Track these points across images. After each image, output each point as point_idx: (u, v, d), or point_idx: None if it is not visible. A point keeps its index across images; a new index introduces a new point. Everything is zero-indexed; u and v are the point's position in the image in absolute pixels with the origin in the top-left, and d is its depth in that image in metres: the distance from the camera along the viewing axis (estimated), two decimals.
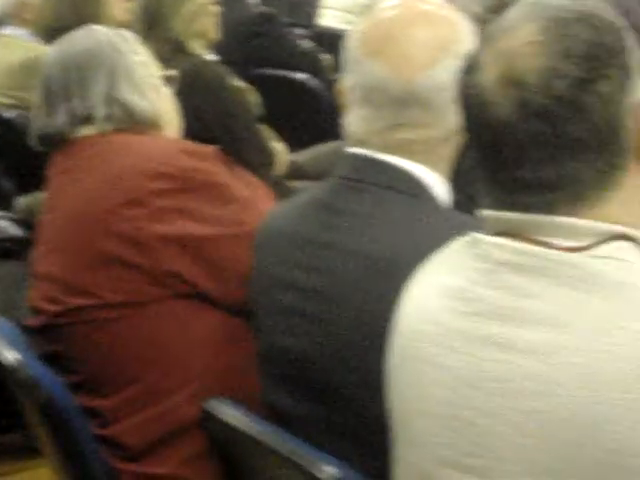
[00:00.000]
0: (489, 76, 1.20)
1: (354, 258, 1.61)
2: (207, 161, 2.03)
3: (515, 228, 1.21)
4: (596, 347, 1.12)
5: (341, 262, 1.62)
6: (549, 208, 1.19)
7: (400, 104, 1.64)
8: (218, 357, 1.96)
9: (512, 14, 1.24)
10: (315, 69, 4.20)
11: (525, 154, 1.18)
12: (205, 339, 1.96)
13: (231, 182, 2.04)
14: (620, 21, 1.23)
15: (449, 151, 1.71)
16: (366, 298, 1.57)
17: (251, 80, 3.46)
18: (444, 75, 1.61)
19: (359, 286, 1.59)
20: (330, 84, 1.68)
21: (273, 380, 1.73)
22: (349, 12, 4.76)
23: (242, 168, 2.21)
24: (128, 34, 2.17)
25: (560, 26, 1.19)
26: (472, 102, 1.22)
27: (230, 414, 1.65)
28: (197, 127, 2.31)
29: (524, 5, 1.25)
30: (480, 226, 1.26)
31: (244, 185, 2.09)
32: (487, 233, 1.24)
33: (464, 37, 1.67)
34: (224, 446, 1.69)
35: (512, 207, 1.21)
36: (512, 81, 1.18)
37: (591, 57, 1.17)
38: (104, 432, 1.98)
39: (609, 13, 1.23)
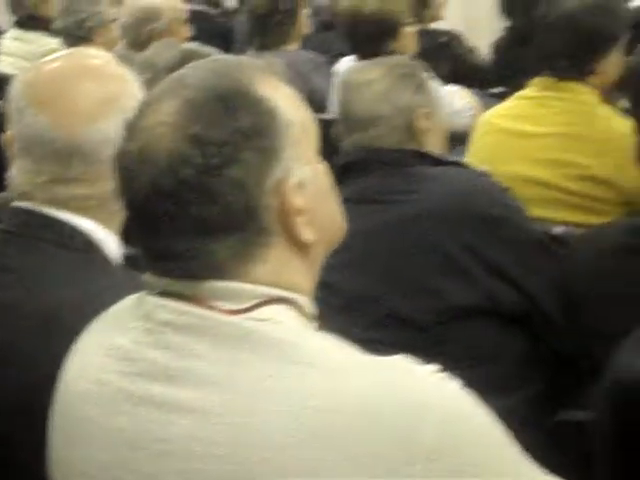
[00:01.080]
0: (132, 148, 1.21)
1: (15, 316, 1.55)
2: None
3: (175, 290, 1.22)
4: (254, 407, 1.13)
5: (1, 320, 1.56)
6: (191, 276, 1.20)
7: (63, 158, 1.61)
8: None
9: (159, 87, 1.24)
10: None
11: (159, 227, 1.19)
12: None
13: None
14: (271, 100, 1.20)
15: (120, 206, 1.69)
16: (31, 357, 1.52)
17: None
18: (110, 130, 1.58)
19: (23, 345, 1.53)
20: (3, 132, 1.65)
21: None
22: (25, 59, 4.65)
23: None
24: None
25: (195, 108, 1.18)
26: (119, 169, 1.23)
27: None
28: None
29: (171, 79, 1.24)
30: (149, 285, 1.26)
31: None
32: (153, 293, 1.24)
33: (132, 93, 1.66)
34: None
35: (159, 272, 1.22)
36: (146, 159, 1.19)
37: (222, 143, 1.16)
38: None
39: (263, 87, 1.20)
